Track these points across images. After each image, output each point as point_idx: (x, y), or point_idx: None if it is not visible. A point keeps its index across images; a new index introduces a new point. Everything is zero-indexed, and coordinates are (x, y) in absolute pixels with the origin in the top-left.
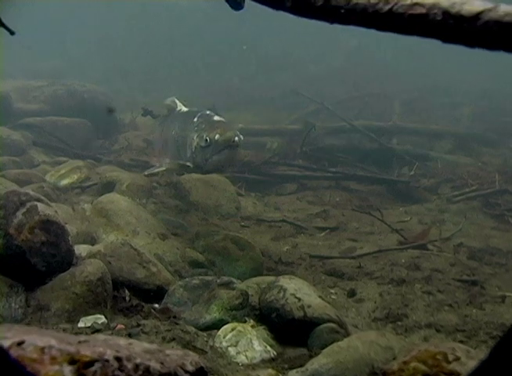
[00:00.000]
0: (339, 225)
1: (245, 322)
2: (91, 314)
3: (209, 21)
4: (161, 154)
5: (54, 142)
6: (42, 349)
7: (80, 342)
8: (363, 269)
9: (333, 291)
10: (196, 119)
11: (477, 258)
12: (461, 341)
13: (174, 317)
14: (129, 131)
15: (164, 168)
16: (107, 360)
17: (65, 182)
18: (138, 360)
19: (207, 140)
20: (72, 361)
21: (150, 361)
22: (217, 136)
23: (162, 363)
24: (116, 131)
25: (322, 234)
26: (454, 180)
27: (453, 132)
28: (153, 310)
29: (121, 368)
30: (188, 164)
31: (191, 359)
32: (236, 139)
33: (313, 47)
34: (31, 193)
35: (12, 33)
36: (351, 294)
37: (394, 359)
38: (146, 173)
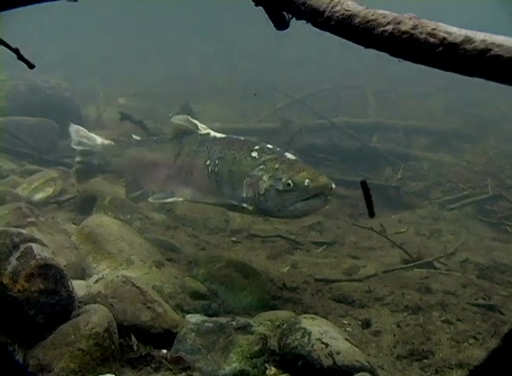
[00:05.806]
0: (336, 239)
1: (265, 369)
2: (99, 372)
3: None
4: (173, 181)
5: (19, 146)
6: None
7: None
8: (373, 294)
9: (345, 321)
10: (256, 154)
11: (488, 277)
12: None
13: (189, 368)
14: (96, 129)
15: (181, 199)
16: None
17: (39, 196)
18: None
19: (289, 184)
20: None
21: None
22: (306, 181)
23: None
24: None
25: (320, 250)
26: (443, 183)
27: (432, 128)
28: (164, 360)
29: None
30: (244, 205)
31: None
32: (333, 186)
33: (274, 37)
34: (24, 232)
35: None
36: (366, 324)
37: None
38: (151, 200)
